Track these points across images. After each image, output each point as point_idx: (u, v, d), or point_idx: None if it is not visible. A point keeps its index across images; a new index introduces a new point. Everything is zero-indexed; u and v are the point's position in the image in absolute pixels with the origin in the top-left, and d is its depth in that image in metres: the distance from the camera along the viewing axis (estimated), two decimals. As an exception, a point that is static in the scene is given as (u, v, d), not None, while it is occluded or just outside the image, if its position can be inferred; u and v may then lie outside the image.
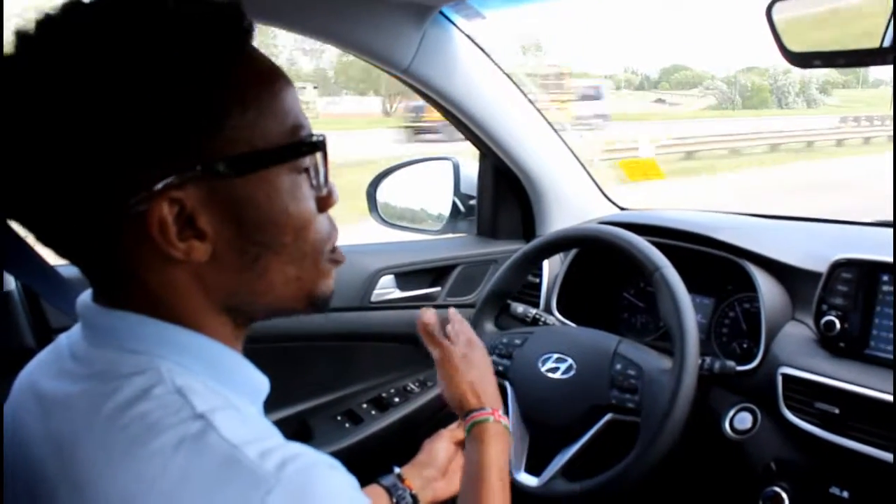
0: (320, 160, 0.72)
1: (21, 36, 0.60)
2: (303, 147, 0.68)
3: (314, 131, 0.70)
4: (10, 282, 1.42)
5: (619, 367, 1.31)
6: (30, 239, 0.90)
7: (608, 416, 1.29)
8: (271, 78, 0.67)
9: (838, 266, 1.34)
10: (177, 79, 0.59)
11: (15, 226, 0.67)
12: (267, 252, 0.67)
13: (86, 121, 0.57)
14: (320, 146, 0.70)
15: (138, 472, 0.56)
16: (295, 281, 0.71)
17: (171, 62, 0.59)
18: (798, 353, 1.36)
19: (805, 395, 1.29)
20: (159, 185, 0.60)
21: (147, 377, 0.62)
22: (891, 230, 1.35)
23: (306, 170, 0.69)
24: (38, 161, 0.58)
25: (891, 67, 0.94)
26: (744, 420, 1.39)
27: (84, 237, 0.62)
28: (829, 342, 1.33)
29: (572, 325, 1.68)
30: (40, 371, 0.72)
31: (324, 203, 0.73)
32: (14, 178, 0.60)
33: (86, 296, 0.70)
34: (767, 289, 1.46)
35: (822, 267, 1.37)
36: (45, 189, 0.59)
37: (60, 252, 0.66)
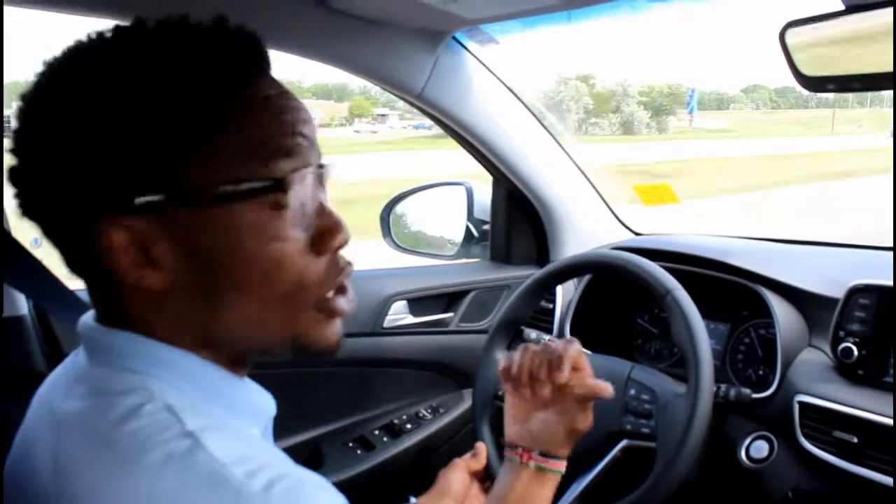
0: (316, 198, 0.69)
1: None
2: (268, 186, 0.63)
3: (312, 168, 0.67)
4: (23, 306, 1.43)
5: (632, 392, 1.30)
6: (46, 261, 0.91)
7: (623, 443, 1.28)
8: (267, 108, 0.65)
9: (856, 292, 1.32)
10: (147, 111, 0.60)
11: (31, 248, 0.68)
12: (228, 289, 0.65)
13: (75, 145, 0.60)
14: (286, 186, 0.64)
15: (129, 489, 0.56)
16: (259, 323, 0.67)
17: (145, 92, 0.61)
18: (815, 380, 1.34)
19: (822, 423, 1.27)
20: (116, 211, 0.61)
21: (138, 395, 0.62)
22: None
23: (285, 207, 0.65)
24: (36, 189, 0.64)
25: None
26: (760, 448, 1.37)
27: (79, 256, 0.65)
28: (846, 369, 1.31)
29: (586, 351, 1.67)
30: (54, 391, 0.73)
31: (319, 243, 0.68)
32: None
33: (88, 316, 0.71)
34: (783, 315, 1.44)
35: (839, 293, 1.35)
36: (44, 213, 0.65)
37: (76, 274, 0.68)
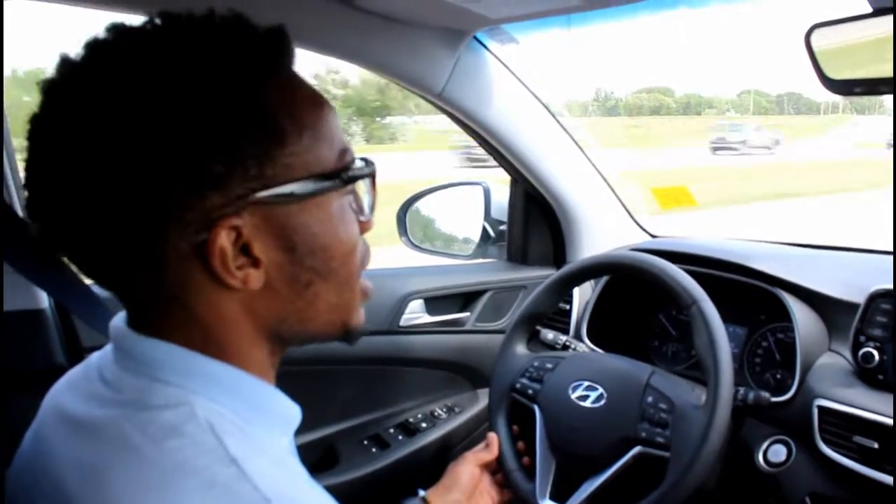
0: (368, 184, 0.73)
1: (68, 63, 0.59)
2: (355, 172, 0.68)
3: (361, 156, 0.71)
4: (44, 299, 1.44)
5: (650, 399, 1.29)
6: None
7: (637, 449, 1.27)
8: (319, 101, 0.67)
9: (877, 297, 1.31)
10: (234, 105, 0.59)
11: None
12: (317, 278, 0.67)
13: (143, 148, 0.56)
14: (372, 171, 0.71)
15: None
16: (335, 308, 0.70)
17: (228, 88, 0.59)
18: (835, 384, 1.33)
19: (842, 428, 1.26)
20: (219, 213, 0.59)
21: (179, 412, 0.61)
22: None
23: (352, 193, 0.70)
24: (92, 191, 0.57)
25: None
26: (778, 453, 1.36)
27: (134, 267, 0.61)
28: (866, 374, 1.30)
29: (600, 351, 1.66)
30: (69, 391, 0.72)
31: (364, 227, 0.73)
32: (64, 209, 0.59)
33: (119, 319, 0.69)
34: (803, 319, 1.43)
35: (859, 297, 1.34)
36: (98, 220, 0.58)
37: (103, 281, 0.65)
